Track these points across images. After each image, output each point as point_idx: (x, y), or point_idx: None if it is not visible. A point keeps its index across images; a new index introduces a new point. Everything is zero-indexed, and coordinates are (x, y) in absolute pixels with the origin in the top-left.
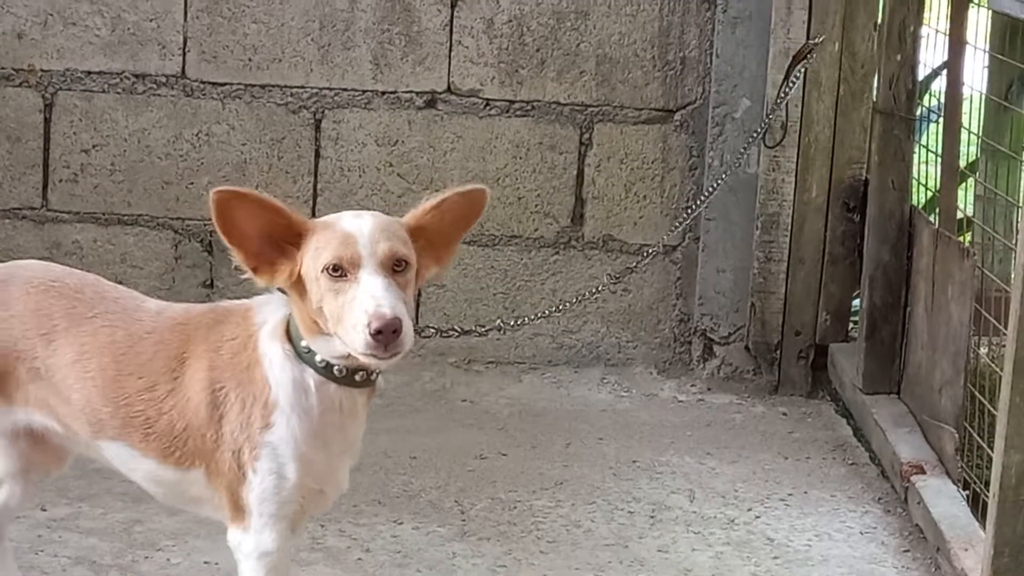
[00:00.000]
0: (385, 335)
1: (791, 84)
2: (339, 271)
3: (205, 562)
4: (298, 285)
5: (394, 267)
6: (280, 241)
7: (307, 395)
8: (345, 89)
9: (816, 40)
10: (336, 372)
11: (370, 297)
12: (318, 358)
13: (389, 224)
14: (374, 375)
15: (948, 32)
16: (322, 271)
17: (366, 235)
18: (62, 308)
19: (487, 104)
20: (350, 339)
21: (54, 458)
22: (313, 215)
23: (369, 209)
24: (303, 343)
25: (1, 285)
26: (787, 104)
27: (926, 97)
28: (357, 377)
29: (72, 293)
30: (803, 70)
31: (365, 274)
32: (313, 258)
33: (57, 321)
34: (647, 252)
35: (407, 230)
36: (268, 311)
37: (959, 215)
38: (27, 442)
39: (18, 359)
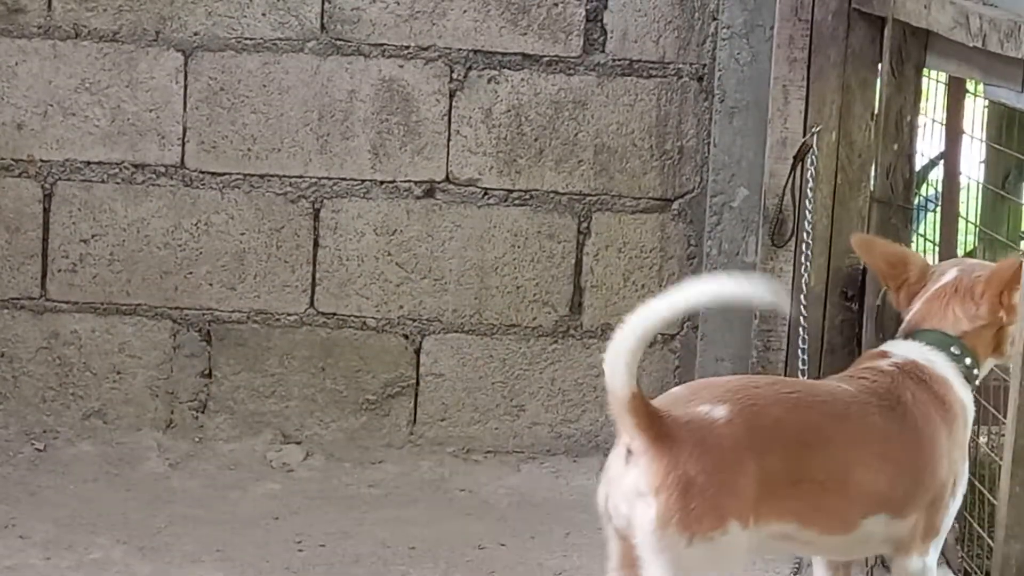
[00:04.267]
0: None
1: (804, 181)
2: None
3: None
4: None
5: None
6: None
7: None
8: (344, 179)
9: (814, 130)
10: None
11: None
12: (976, 372)
13: None
14: None
15: (945, 122)
16: None
17: None
18: None
19: (485, 193)
20: None
21: None
22: (311, 304)
23: (367, 298)
24: (968, 362)
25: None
26: (784, 194)
27: (923, 186)
28: None
29: None
30: (813, 162)
31: None
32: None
33: None
34: None
35: None
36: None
37: None
38: None
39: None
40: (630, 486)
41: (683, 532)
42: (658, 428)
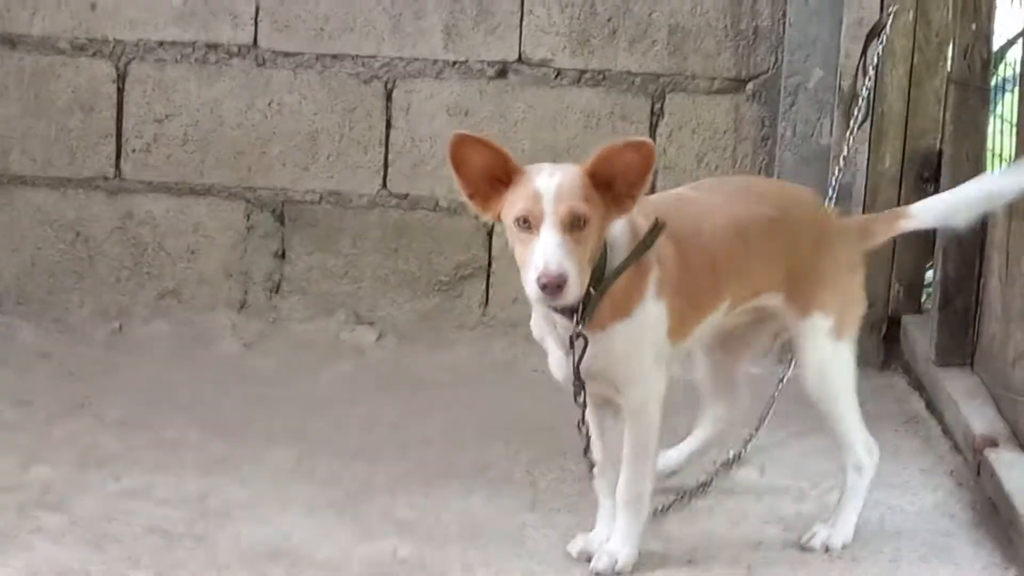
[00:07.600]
0: (550, 288)
1: (872, 66)
2: (527, 223)
3: (276, 532)
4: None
5: (572, 224)
6: (496, 181)
7: None
8: (416, 59)
9: (890, 10)
10: None
11: (541, 253)
12: None
13: (574, 181)
14: None
15: None
16: (513, 221)
17: (552, 193)
18: None
19: (558, 74)
20: (526, 284)
21: None
22: (384, 185)
23: (439, 180)
24: None
25: None
26: (857, 74)
27: (1001, 67)
28: None
29: None
30: (887, 42)
31: (544, 229)
32: (509, 208)
33: None
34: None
35: (590, 177)
36: None
37: None
38: None
39: None
40: None
41: None
42: None
